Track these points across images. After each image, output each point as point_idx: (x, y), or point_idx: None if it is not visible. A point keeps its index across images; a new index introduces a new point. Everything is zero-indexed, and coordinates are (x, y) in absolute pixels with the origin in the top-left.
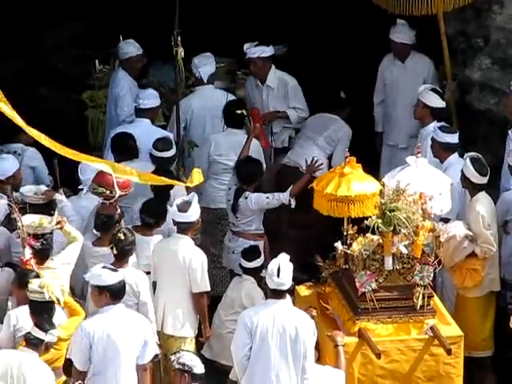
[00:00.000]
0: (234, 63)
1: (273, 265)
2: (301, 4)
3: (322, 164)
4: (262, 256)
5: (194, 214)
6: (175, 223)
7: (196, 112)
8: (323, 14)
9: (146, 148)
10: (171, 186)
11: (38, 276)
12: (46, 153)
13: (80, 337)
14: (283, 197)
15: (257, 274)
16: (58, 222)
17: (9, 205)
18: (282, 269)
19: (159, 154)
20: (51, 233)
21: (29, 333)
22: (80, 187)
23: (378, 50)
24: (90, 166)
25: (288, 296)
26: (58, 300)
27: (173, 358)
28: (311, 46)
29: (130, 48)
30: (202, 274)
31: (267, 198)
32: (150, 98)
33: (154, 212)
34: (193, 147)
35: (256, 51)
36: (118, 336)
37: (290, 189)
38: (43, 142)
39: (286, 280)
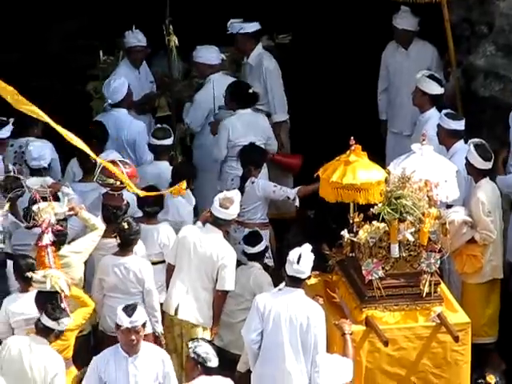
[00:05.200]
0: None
1: (294, 252)
2: None
3: None
4: (264, 240)
5: (233, 212)
6: (212, 216)
7: (218, 100)
8: (327, 2)
9: (117, 135)
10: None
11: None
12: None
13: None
14: (290, 192)
15: (261, 258)
16: (71, 208)
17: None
18: (302, 257)
19: (158, 142)
20: (65, 219)
21: (39, 320)
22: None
23: (381, 37)
24: None
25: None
26: (62, 290)
27: (190, 345)
28: (315, 35)
29: (132, 38)
30: (231, 274)
31: (275, 186)
32: (117, 92)
33: (150, 201)
34: (189, 135)
35: (235, 27)
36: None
37: (299, 187)
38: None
39: (305, 268)
